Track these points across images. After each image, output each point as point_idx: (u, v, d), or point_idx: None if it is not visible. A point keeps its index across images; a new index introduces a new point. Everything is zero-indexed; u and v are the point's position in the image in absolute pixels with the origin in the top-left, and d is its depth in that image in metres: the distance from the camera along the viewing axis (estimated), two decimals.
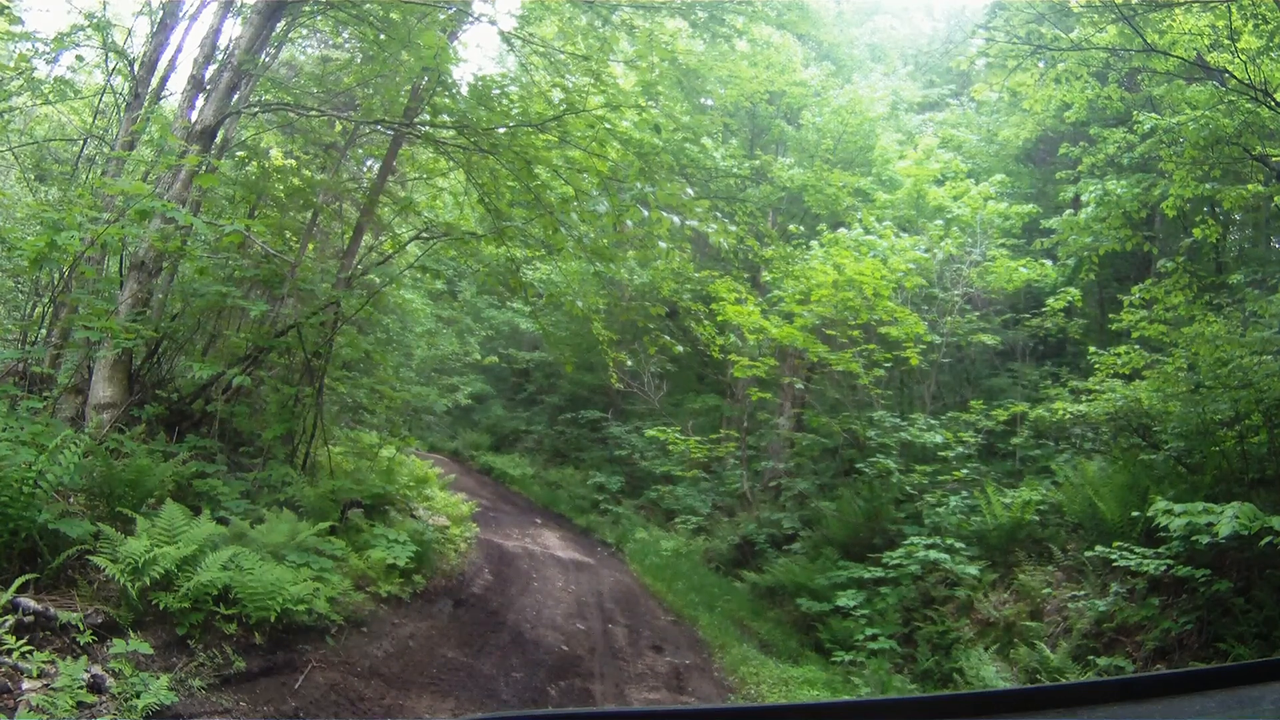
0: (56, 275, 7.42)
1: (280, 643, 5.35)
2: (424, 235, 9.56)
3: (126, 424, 6.95)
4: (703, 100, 16.37)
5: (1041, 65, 10.79)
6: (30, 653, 3.97)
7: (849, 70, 18.42)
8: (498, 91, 8.80)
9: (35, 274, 7.56)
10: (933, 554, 9.19)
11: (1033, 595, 8.23)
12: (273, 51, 9.74)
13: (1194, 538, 6.39)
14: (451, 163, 10.67)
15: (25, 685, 3.77)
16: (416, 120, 9.54)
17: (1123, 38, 9.09)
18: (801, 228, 15.06)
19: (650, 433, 15.49)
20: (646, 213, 8.48)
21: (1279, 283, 10.36)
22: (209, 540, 5.37)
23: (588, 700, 6.28)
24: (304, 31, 11.18)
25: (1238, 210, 10.70)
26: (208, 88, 8.05)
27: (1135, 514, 7.45)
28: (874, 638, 8.86)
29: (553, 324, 15.99)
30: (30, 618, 4.21)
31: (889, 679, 7.94)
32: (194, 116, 7.89)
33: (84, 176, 9.00)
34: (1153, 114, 9.91)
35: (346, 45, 11.19)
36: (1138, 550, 7.19)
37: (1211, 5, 8.40)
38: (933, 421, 11.67)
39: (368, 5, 8.93)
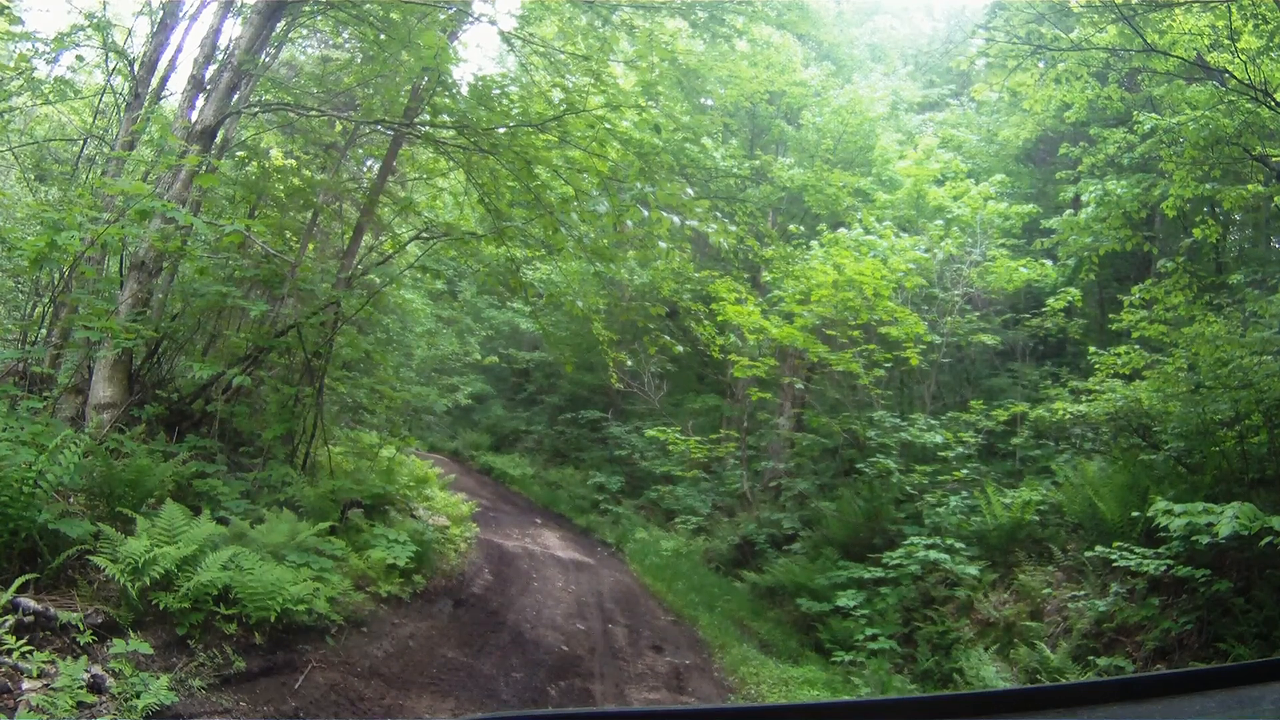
0: (56, 275, 7.42)
1: (280, 643, 5.35)
2: (424, 235, 9.57)
3: (126, 424, 6.95)
4: (703, 100, 16.36)
5: (1041, 65, 10.79)
6: (30, 653, 3.96)
7: (849, 70, 18.42)
8: (498, 91, 8.80)
9: (35, 274, 7.56)
10: (933, 554, 9.19)
11: (1033, 595, 8.23)
12: (273, 51, 9.74)
13: (1194, 538, 6.39)
14: (451, 163, 10.67)
15: (25, 685, 3.77)
16: (416, 120, 9.54)
17: (1123, 38, 9.10)
18: (801, 228, 15.04)
19: (650, 433, 15.49)
20: (646, 213, 8.48)
21: (1279, 283, 10.36)
22: (209, 540, 5.37)
23: (588, 700, 6.28)
24: (304, 31, 11.18)
25: (1238, 210, 10.70)
26: (208, 88, 8.05)
27: (1135, 514, 7.45)
28: (874, 638, 8.86)
29: (553, 324, 15.98)
30: (30, 618, 4.21)
31: (889, 679, 7.94)
32: (194, 116, 7.89)
33: (84, 176, 9.00)
34: (1153, 114, 9.91)
35: (346, 45, 11.19)
36: (1138, 550, 7.20)
37: (1211, 5, 8.40)
38: (933, 421, 11.67)
39: (368, 5, 8.93)
